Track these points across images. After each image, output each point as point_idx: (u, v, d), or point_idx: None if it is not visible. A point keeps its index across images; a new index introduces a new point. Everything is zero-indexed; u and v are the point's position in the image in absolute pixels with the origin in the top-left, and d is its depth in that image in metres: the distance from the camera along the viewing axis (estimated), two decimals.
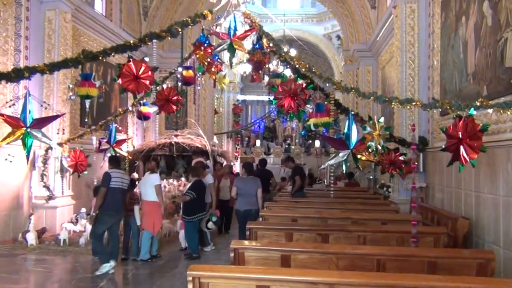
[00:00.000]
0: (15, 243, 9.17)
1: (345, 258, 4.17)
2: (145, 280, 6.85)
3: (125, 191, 7.37)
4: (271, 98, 7.72)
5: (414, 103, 5.47)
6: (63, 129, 10.09)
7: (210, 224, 8.32)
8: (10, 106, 8.47)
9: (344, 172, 6.42)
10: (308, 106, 7.53)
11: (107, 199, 7.06)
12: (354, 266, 4.09)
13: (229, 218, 10.32)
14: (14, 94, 9.50)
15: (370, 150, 6.01)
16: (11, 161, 8.54)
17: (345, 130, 5.54)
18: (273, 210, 7.37)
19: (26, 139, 6.05)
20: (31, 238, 8.96)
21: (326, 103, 7.70)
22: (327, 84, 7.29)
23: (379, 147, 6.04)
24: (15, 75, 6.01)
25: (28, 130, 6.01)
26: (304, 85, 7.06)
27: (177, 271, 7.37)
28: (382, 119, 6.25)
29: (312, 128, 8.12)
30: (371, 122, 6.21)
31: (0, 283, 6.61)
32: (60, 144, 9.84)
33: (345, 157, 5.35)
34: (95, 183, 9.88)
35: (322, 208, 7.56)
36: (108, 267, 7.10)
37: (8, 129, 6.25)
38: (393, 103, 5.60)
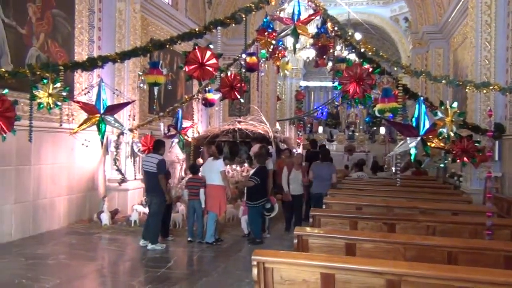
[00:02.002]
0: (91, 222, 9.48)
1: (413, 248, 3.99)
2: (210, 262, 6.94)
3: (150, 174, 7.53)
4: (335, 83, 7.68)
5: (491, 87, 5.10)
6: (134, 116, 10.24)
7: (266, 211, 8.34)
8: (85, 94, 8.72)
9: (412, 159, 6.14)
10: (374, 91, 7.32)
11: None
12: (423, 257, 3.90)
13: (299, 215, 9.14)
14: (88, 83, 9.80)
15: (441, 137, 5.70)
16: (87, 146, 8.73)
17: (414, 116, 5.28)
18: (336, 197, 7.24)
19: (101, 125, 6.22)
20: (105, 218, 9.23)
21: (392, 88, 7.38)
22: (395, 69, 6.97)
23: (451, 134, 5.71)
24: (89, 64, 6.20)
25: (102, 116, 6.18)
26: (371, 69, 6.87)
27: (240, 255, 7.44)
28: (455, 104, 5.91)
29: (377, 114, 7.76)
30: (443, 107, 5.89)
31: (78, 259, 6.87)
32: (131, 130, 10.05)
33: (414, 144, 5.09)
34: None
35: (388, 197, 7.31)
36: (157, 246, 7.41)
37: (84, 115, 6.41)
38: (467, 87, 5.27)
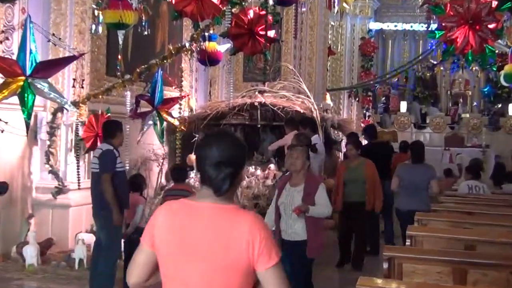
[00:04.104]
0: (7, 261, 7.44)
1: None
2: None
3: (93, 176, 5.87)
4: (432, 27, 7.51)
5: None
6: (82, 80, 7.60)
7: None
8: (0, 42, 6.91)
9: None
10: (499, 42, 6.87)
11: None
12: None
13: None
14: (5, 23, 7.28)
15: None
16: (2, 131, 6.76)
17: None
18: (430, 226, 5.67)
19: (26, 94, 5.45)
20: (31, 254, 7.19)
21: None
22: None
23: None
24: None
25: (29, 80, 5.44)
26: (495, 4, 5.72)
27: None
28: None
29: (504, 83, 7.29)
30: None
31: None
32: (76, 104, 7.39)
33: None
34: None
35: None
36: None
37: None
38: None
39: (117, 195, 5.44)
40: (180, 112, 7.50)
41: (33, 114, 6.14)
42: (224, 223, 1.75)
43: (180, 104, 7.63)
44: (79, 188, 7.58)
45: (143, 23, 6.93)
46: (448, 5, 5.92)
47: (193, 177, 7.05)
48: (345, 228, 6.60)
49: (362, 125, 12.26)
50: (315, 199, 4.24)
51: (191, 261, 1.72)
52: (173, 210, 1.80)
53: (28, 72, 5.35)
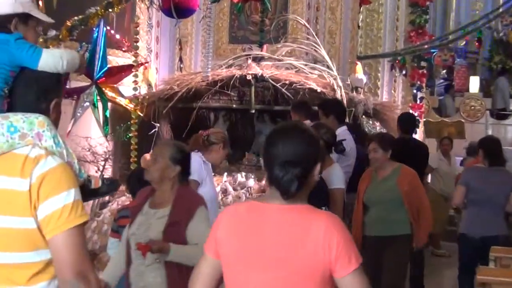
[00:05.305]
0: None
1: None
2: None
3: None
4: None
5: None
6: None
7: None
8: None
9: None
10: None
11: None
12: None
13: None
14: None
15: None
16: None
17: None
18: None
19: None
20: None
21: None
22: None
23: None
24: None
25: None
26: None
27: None
28: None
29: None
30: None
31: None
32: None
33: None
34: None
35: None
36: None
37: None
38: None
39: None
40: (134, 89, 5.12)
41: None
42: (296, 225, 1.64)
43: (134, 77, 5.25)
44: None
45: None
46: None
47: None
48: (369, 274, 4.12)
49: (411, 111, 8.39)
50: (187, 234, 2.54)
51: (260, 269, 1.62)
52: (238, 214, 1.71)
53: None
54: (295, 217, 1.61)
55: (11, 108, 1.59)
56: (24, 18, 1.70)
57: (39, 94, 1.61)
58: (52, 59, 1.64)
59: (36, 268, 1.39)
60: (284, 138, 1.68)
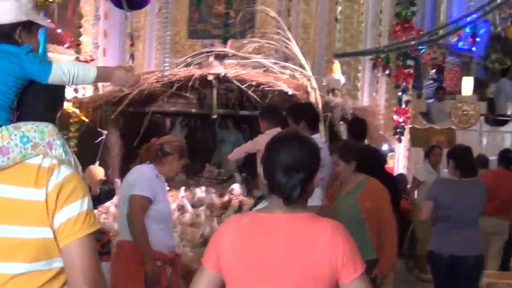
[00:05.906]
0: None
1: None
2: None
3: None
4: None
5: None
6: None
7: None
8: None
9: None
10: None
11: None
12: None
13: None
14: None
15: None
16: None
17: None
18: None
19: None
20: None
21: None
22: None
23: None
24: None
25: None
26: None
27: None
28: None
29: None
30: None
31: None
32: None
33: None
34: None
35: None
36: None
37: None
38: None
39: None
40: (74, 91, 4.60)
41: None
42: (300, 234, 1.69)
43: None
44: None
45: None
46: None
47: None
48: None
49: (396, 116, 7.36)
50: None
51: (267, 280, 1.65)
52: (242, 226, 1.73)
53: None
54: (300, 226, 1.67)
55: (19, 118, 1.68)
56: (28, 26, 1.75)
57: (48, 104, 1.73)
58: (61, 74, 1.71)
59: (48, 276, 1.45)
60: (287, 144, 1.76)
